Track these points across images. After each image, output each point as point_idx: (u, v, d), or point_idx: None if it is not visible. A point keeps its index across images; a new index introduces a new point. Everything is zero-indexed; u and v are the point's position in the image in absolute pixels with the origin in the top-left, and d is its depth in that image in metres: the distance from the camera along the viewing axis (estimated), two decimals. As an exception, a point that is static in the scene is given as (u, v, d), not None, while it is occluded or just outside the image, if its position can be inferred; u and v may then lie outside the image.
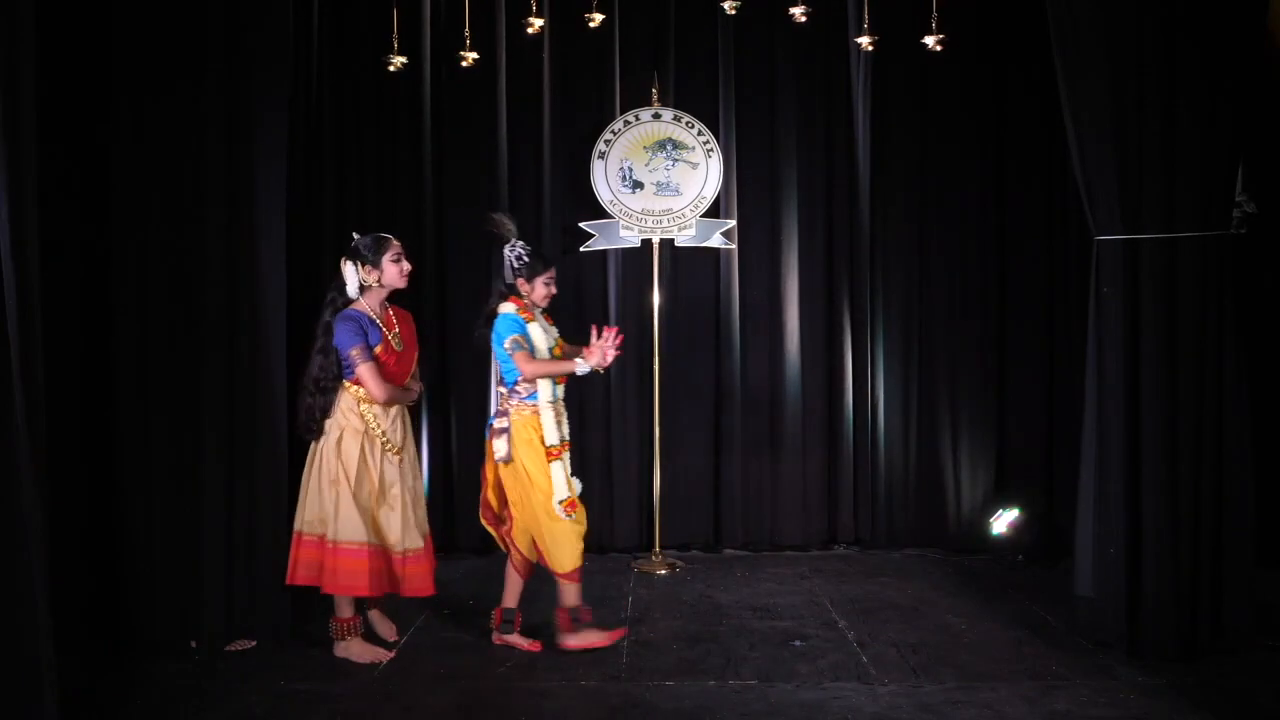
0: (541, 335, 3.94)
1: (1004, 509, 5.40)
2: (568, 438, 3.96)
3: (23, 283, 2.69)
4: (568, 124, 5.51)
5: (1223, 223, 3.79)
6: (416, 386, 4.09)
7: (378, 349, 3.83)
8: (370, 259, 3.89)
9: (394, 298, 4.07)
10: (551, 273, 4.01)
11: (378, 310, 3.92)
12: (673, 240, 5.38)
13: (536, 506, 3.86)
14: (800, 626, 4.25)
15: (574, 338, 5.57)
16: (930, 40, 4.58)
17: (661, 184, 5.35)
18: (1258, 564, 3.89)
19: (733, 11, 4.77)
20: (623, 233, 5.32)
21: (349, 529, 3.77)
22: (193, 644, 3.86)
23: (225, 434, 3.92)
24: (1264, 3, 3.83)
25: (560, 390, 3.96)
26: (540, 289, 3.98)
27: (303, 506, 3.87)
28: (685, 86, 5.49)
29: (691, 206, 5.34)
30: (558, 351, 4.01)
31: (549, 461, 3.85)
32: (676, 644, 4.06)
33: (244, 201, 3.97)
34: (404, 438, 3.98)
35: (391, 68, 4.79)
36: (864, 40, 4.84)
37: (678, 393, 5.50)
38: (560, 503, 3.83)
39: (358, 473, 3.82)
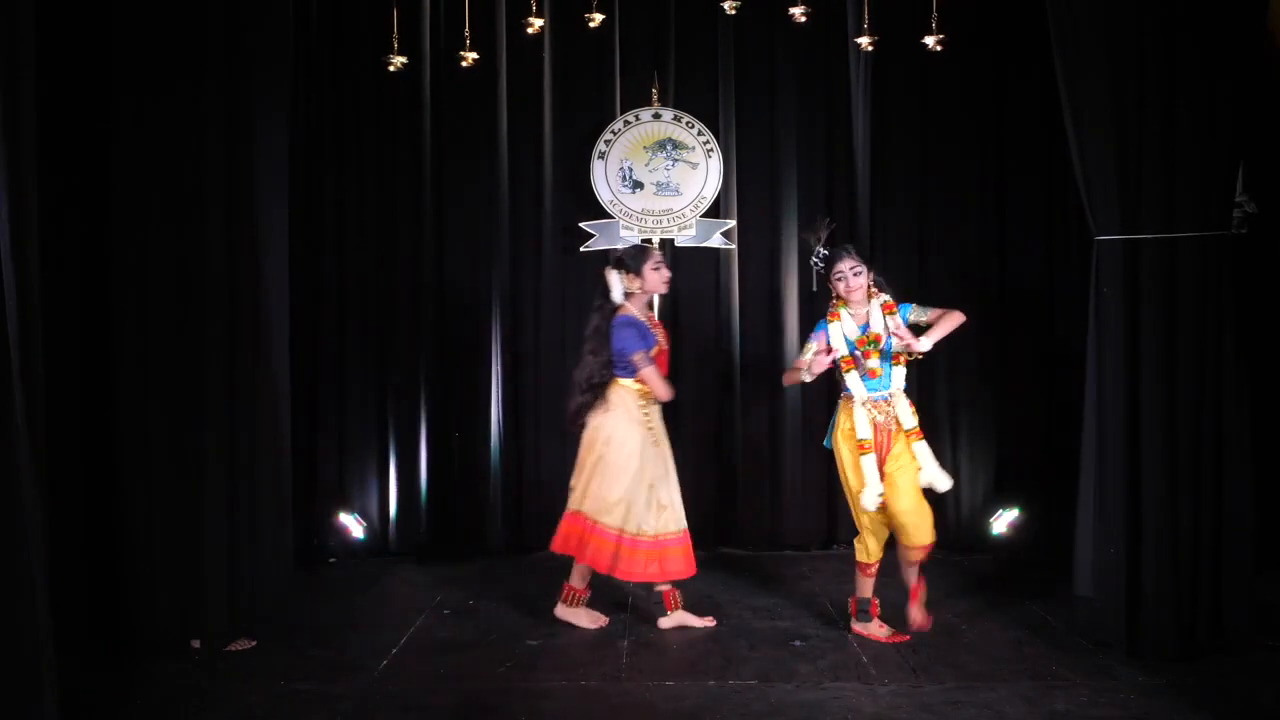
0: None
1: (1004, 509, 5.41)
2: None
3: (23, 283, 2.69)
4: (568, 124, 5.51)
5: (1223, 223, 3.79)
6: None
7: (653, 351, 4.15)
8: (633, 267, 4.15)
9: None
10: (841, 267, 4.01)
11: (644, 314, 4.22)
12: (673, 240, 5.38)
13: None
14: (800, 626, 4.25)
15: (571, 337, 5.60)
16: (930, 40, 4.58)
17: (661, 184, 5.35)
18: (1257, 565, 3.89)
19: (733, 11, 4.76)
20: (623, 233, 5.33)
21: (614, 514, 4.11)
22: (194, 644, 3.86)
23: (226, 434, 3.91)
24: (1264, 3, 3.83)
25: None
26: (839, 286, 4.04)
27: (596, 489, 4.14)
28: (685, 86, 5.49)
29: (691, 206, 5.34)
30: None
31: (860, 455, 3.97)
32: (676, 644, 4.06)
33: (244, 201, 3.98)
34: (662, 430, 4.27)
35: (391, 68, 4.78)
36: (864, 40, 4.83)
37: (677, 392, 5.49)
38: (878, 495, 3.93)
39: (641, 461, 4.12)
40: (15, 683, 2.67)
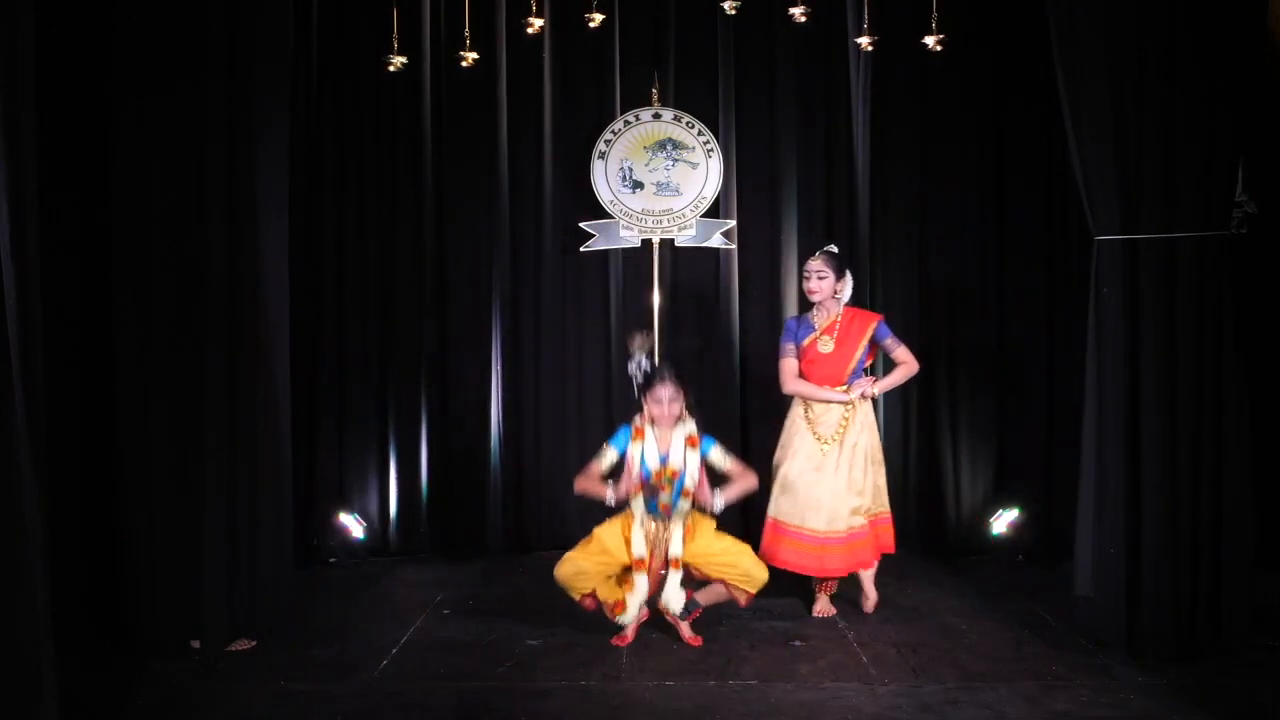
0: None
1: (1004, 509, 5.41)
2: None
3: (23, 283, 2.69)
4: (568, 124, 5.51)
5: (1223, 223, 3.79)
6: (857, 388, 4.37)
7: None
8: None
9: None
10: (660, 393, 4.00)
11: (817, 315, 4.49)
12: (673, 240, 5.38)
13: None
14: (800, 626, 4.25)
15: (571, 337, 5.61)
16: (930, 40, 4.58)
17: (661, 184, 5.35)
18: (1257, 565, 3.89)
19: (733, 11, 4.76)
20: (623, 233, 5.33)
21: None
22: (194, 644, 3.86)
23: (226, 434, 3.91)
24: (1263, 3, 3.83)
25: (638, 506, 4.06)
26: (653, 409, 4.02)
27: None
28: (685, 86, 5.48)
29: (691, 206, 5.34)
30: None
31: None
32: (676, 644, 4.06)
33: (244, 200, 3.97)
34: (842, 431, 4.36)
35: (391, 68, 4.79)
36: (864, 40, 4.83)
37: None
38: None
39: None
40: (15, 683, 2.67)
